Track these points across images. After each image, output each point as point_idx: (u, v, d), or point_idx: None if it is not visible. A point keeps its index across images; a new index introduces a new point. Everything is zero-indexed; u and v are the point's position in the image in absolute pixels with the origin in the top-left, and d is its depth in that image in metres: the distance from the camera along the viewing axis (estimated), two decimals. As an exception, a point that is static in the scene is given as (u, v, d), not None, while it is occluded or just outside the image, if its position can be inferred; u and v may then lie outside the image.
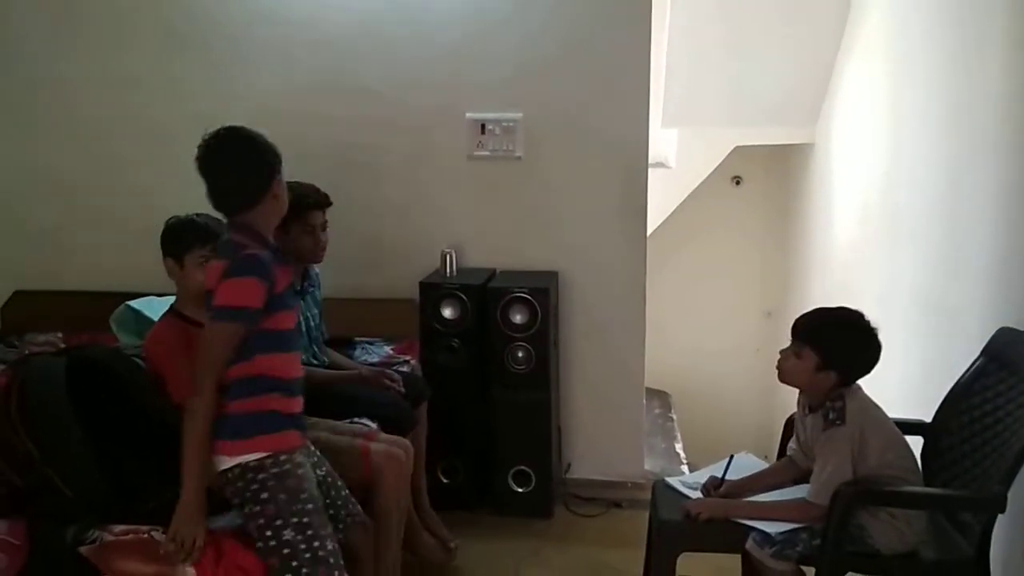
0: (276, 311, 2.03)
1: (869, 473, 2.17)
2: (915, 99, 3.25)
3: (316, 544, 2.00)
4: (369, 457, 2.52)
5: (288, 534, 1.98)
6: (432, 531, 3.01)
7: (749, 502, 2.30)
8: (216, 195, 2.08)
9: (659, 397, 4.69)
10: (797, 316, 2.30)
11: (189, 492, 1.95)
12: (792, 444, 2.39)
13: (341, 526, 2.21)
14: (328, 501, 2.18)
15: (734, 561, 2.41)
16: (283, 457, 2.03)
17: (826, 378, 2.22)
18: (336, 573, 2.01)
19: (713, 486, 2.37)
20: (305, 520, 2.00)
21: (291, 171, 2.94)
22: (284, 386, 2.07)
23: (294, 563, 1.97)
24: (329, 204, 2.90)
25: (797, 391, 2.35)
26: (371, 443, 2.58)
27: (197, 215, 2.38)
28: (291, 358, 2.12)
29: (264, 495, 2.00)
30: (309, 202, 2.84)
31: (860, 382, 2.28)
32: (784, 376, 2.30)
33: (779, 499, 2.28)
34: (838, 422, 2.18)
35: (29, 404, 2.09)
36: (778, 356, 2.30)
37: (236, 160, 2.09)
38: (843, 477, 2.14)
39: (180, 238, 2.35)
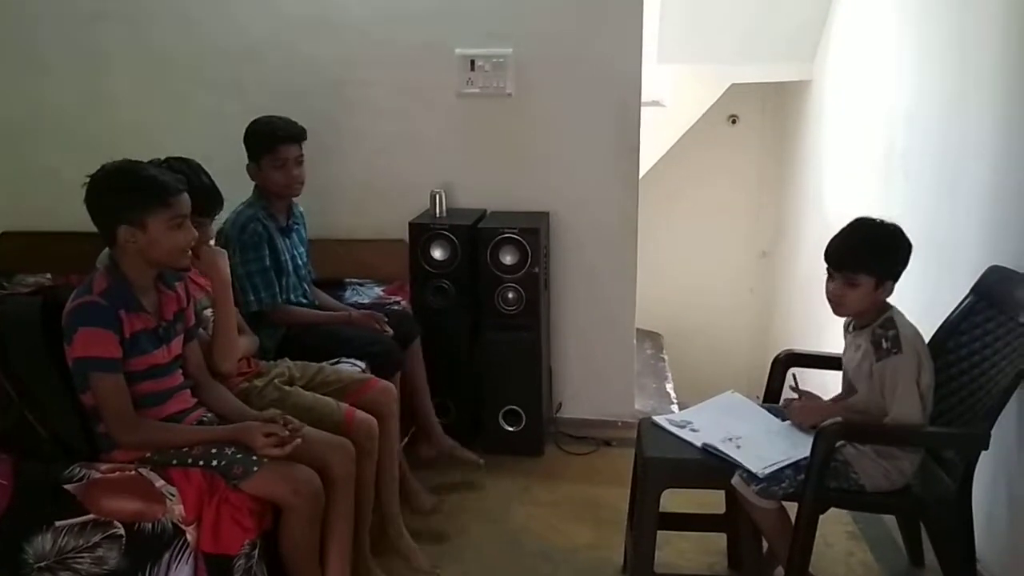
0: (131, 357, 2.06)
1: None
2: (913, 35, 3.18)
3: None
4: (353, 424, 2.44)
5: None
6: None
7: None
8: None
9: (651, 338, 4.69)
10: (828, 247, 2.27)
11: (225, 433, 2.13)
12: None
13: None
14: None
15: (717, 497, 2.43)
16: None
17: (883, 291, 2.22)
18: None
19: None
20: None
21: (277, 111, 2.94)
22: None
23: None
24: (303, 137, 2.88)
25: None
26: (356, 412, 2.49)
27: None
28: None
29: None
30: (280, 135, 2.82)
31: None
32: (843, 310, 2.28)
33: None
34: (895, 351, 2.17)
35: (5, 345, 2.09)
36: (824, 291, 2.27)
37: (93, 197, 2.07)
38: (915, 397, 2.15)
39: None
